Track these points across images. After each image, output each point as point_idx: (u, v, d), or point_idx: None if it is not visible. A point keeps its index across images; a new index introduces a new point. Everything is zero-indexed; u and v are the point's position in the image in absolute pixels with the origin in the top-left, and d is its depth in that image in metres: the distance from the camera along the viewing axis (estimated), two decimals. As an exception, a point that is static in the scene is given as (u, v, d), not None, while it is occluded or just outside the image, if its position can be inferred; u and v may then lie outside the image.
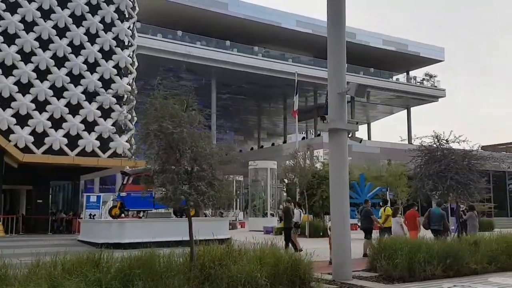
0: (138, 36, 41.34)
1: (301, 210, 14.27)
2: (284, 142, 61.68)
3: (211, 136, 7.40)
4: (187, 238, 7.61)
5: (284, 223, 13.12)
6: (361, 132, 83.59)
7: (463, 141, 10.85)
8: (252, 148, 67.27)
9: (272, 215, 25.72)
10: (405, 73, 62.92)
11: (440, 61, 60.95)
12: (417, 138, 11.59)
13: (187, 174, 6.64)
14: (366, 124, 72.96)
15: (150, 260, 7.51)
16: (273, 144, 65.38)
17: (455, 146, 11.07)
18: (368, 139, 68.79)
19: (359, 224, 16.00)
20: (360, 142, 10.02)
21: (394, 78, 61.43)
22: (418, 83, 61.03)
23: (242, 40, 46.94)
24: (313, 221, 21.77)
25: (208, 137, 6.97)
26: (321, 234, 20.37)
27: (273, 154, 59.81)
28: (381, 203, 17.57)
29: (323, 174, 21.56)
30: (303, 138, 60.44)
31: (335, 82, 9.59)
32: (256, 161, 26.42)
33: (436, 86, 61.55)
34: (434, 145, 11.26)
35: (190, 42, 43.62)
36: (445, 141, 11.40)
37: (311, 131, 69.46)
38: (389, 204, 17.47)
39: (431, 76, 61.65)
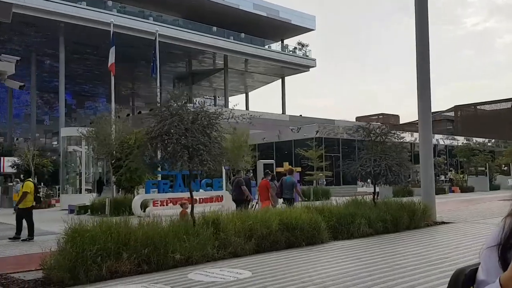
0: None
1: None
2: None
3: None
4: None
5: None
6: (239, 101, 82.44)
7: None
8: (119, 117, 62.35)
9: (89, 190, 22.45)
10: (280, 42, 62.01)
11: (311, 29, 60.68)
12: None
13: None
14: (244, 94, 71.60)
15: None
16: (140, 113, 61.21)
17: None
18: (246, 109, 67.48)
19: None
20: (21, 88, 7.14)
21: (269, 46, 60.12)
22: (291, 52, 60.43)
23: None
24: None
25: None
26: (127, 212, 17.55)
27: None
28: (22, 176, 15.57)
29: (133, 143, 18.68)
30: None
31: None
32: (67, 128, 22.78)
33: (307, 56, 61.42)
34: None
35: (27, -9, 37.73)
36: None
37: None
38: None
39: (303, 45, 61.37)
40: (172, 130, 8.26)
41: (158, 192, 18.21)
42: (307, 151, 26.63)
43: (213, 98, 73.20)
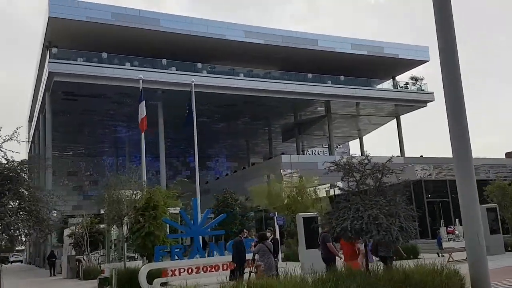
0: (57, 62, 38.65)
1: None
2: (252, 164, 56.73)
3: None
4: None
5: None
6: (355, 147, 77.24)
7: None
8: (227, 174, 62.57)
9: (134, 258, 20.80)
10: (391, 79, 57.13)
11: (425, 61, 54.81)
12: None
13: None
14: (358, 139, 67.01)
15: None
16: (253, 164, 60.03)
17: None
18: (361, 154, 62.68)
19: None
20: None
21: (381, 85, 55.59)
22: (402, 88, 55.03)
23: (181, 57, 43.02)
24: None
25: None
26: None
27: (255, 173, 54.84)
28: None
29: (143, 205, 16.63)
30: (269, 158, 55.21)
31: None
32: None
33: (423, 90, 55.27)
34: None
35: (119, 64, 40.12)
36: None
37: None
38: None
39: (416, 80, 55.52)
40: None
41: (171, 259, 15.80)
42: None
43: (327, 146, 69.81)
